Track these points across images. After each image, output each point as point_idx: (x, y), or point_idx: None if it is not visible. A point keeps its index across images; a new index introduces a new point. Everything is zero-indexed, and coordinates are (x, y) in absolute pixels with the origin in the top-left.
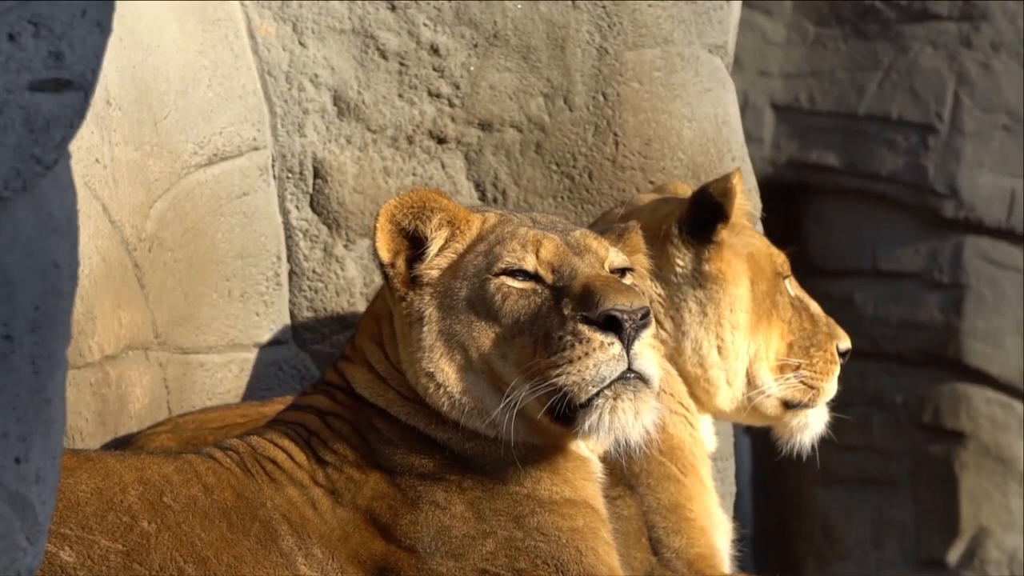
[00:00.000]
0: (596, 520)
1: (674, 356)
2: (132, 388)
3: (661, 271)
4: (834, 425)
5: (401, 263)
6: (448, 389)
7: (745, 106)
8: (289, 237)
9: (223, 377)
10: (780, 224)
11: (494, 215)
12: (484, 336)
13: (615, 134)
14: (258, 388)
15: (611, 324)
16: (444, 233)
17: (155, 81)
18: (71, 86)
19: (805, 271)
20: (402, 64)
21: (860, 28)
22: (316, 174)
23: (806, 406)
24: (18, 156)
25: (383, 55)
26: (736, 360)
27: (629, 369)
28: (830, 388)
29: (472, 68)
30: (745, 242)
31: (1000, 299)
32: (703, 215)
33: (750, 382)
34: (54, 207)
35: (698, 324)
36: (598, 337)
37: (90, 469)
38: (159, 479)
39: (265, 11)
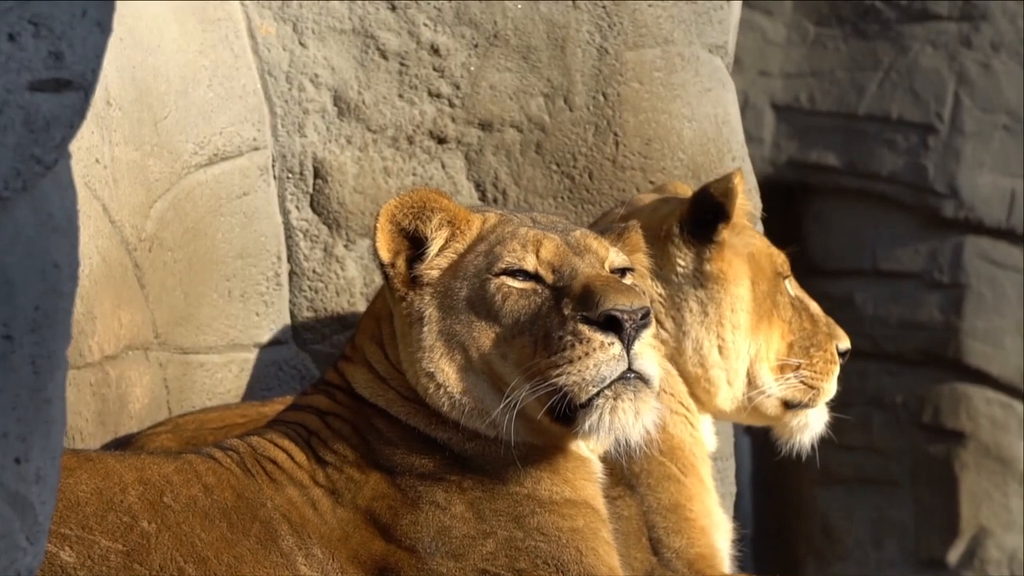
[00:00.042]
0: (596, 520)
1: (675, 356)
2: (132, 388)
3: (662, 271)
4: (834, 425)
5: (401, 263)
6: (448, 389)
7: (745, 106)
8: (289, 237)
9: (223, 377)
10: (780, 224)
11: (494, 215)
12: (484, 336)
13: (615, 134)
14: (258, 388)
15: (611, 324)
16: (444, 233)
17: (155, 81)
18: (71, 86)
19: (805, 271)
20: (402, 64)
21: (860, 28)
22: (316, 174)
23: (806, 406)
24: (18, 156)
25: (383, 55)
26: (737, 360)
27: (629, 369)
28: (830, 388)
29: (472, 68)
30: (746, 242)
31: (1000, 299)
32: (704, 215)
33: (751, 382)
34: (54, 207)
35: (699, 324)
36: (598, 337)
37: (90, 469)
38: (159, 479)
39: (265, 11)
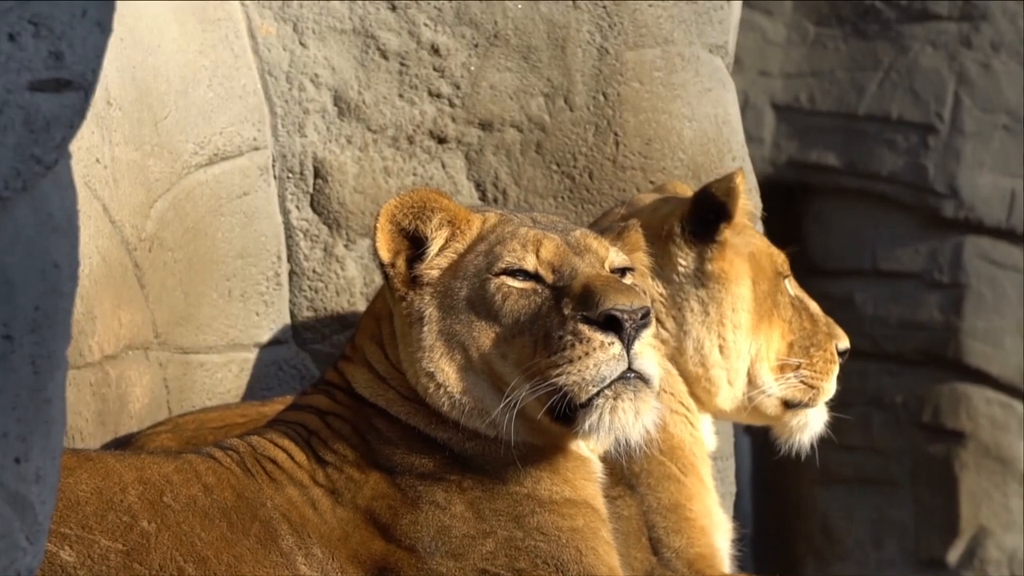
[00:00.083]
0: (596, 520)
1: (675, 355)
2: (132, 388)
3: (663, 270)
4: (834, 425)
5: (401, 263)
6: (448, 389)
7: (745, 106)
8: (289, 237)
9: (223, 377)
10: (780, 224)
11: (494, 215)
12: (484, 336)
13: (615, 134)
14: (258, 388)
15: (611, 324)
16: (444, 233)
17: (155, 81)
18: (71, 86)
19: (805, 271)
20: (402, 64)
21: (860, 28)
22: (316, 174)
23: (806, 405)
24: (18, 156)
25: (383, 55)
26: (738, 360)
27: (629, 369)
28: (830, 388)
29: (472, 68)
30: (746, 241)
31: (1000, 299)
32: (706, 215)
33: (751, 381)
34: (54, 207)
35: (700, 323)
36: (598, 337)
37: (90, 469)
38: (159, 479)
39: (265, 11)
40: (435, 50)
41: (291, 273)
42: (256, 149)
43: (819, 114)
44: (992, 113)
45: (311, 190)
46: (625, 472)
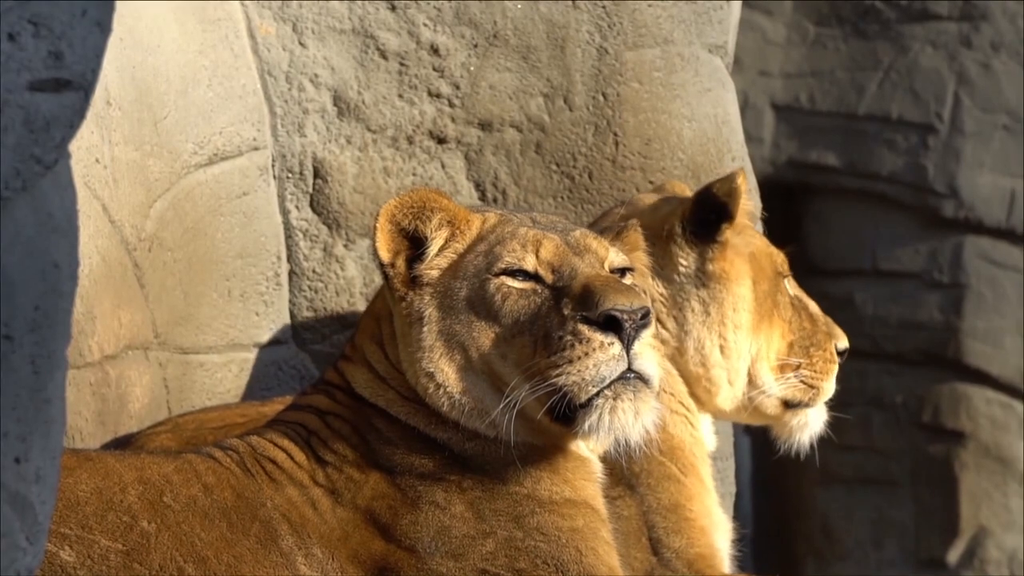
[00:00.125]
0: (596, 520)
1: (675, 355)
2: (132, 388)
3: (664, 270)
4: (834, 425)
5: (401, 263)
6: (448, 389)
7: (745, 106)
8: (289, 237)
9: (223, 377)
10: (780, 224)
11: (494, 215)
12: (484, 336)
13: (615, 134)
14: (258, 388)
15: (611, 324)
16: (444, 233)
17: (155, 81)
18: (71, 86)
19: (805, 271)
20: (402, 64)
21: (860, 28)
22: (316, 174)
23: (806, 405)
24: (18, 156)
25: (383, 55)
26: (738, 360)
27: (629, 369)
28: (829, 387)
29: (472, 68)
30: (747, 242)
31: (1000, 299)
32: (707, 215)
33: (751, 381)
34: (54, 207)
35: (701, 323)
36: (598, 337)
37: (90, 469)
38: (159, 479)
39: (265, 11)
40: (435, 50)
41: (291, 273)
42: (256, 149)
43: (819, 114)
44: (992, 113)
45: (311, 190)
46: (625, 472)
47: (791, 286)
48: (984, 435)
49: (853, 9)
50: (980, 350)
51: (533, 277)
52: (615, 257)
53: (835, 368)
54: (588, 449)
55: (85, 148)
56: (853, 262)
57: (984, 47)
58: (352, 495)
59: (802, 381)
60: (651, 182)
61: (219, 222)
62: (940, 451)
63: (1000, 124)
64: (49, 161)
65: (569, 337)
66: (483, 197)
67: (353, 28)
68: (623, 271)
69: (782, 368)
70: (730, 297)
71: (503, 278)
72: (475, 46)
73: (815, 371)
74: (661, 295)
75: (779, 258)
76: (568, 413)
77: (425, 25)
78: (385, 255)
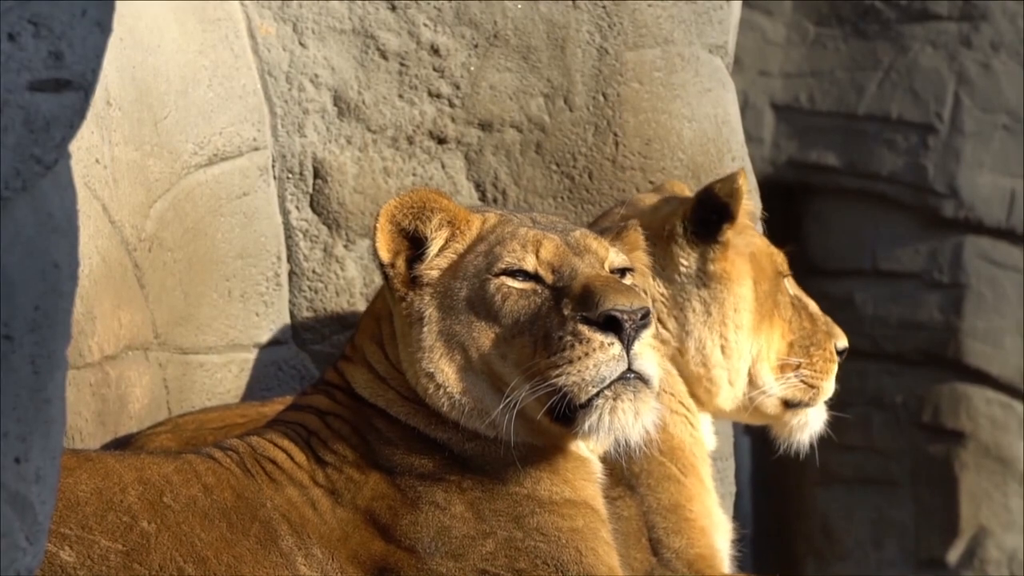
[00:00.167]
0: (596, 520)
1: (676, 356)
2: (132, 388)
3: (664, 270)
4: (834, 425)
5: (401, 263)
6: (448, 389)
7: (745, 106)
8: (289, 237)
9: (223, 377)
10: (780, 224)
11: (494, 215)
12: (484, 336)
13: (615, 134)
14: (258, 388)
15: (611, 324)
16: (444, 233)
17: (155, 81)
18: (71, 86)
19: (805, 271)
20: (402, 64)
21: (860, 28)
22: (316, 174)
23: (806, 405)
24: (18, 156)
25: (383, 55)
26: (739, 360)
27: (629, 369)
28: (829, 387)
29: (472, 68)
30: (747, 242)
31: (1000, 299)
32: (708, 215)
33: (752, 381)
34: (54, 207)
35: (702, 324)
36: (598, 337)
37: (90, 469)
38: (159, 479)
39: (265, 11)
40: (435, 50)
41: (291, 273)
42: (256, 149)
43: (819, 114)
44: (992, 113)
45: (311, 190)
46: (625, 473)
47: (791, 286)
48: (984, 435)
49: (853, 9)
50: (980, 350)
51: (533, 277)
52: (615, 257)
53: (835, 368)
54: (588, 449)
55: (85, 148)
56: (853, 262)
57: (984, 47)
58: (352, 495)
59: (802, 381)
60: (651, 182)
61: (219, 222)
62: (940, 451)
63: (1000, 124)
64: (49, 161)
65: (569, 337)
66: (483, 197)
67: (353, 28)
68: (623, 271)
69: (782, 368)
70: (731, 297)
71: (503, 278)
72: (475, 46)
73: (815, 371)
74: (662, 295)
75: (779, 258)
76: (568, 413)
77: (425, 25)
78: (385, 255)
